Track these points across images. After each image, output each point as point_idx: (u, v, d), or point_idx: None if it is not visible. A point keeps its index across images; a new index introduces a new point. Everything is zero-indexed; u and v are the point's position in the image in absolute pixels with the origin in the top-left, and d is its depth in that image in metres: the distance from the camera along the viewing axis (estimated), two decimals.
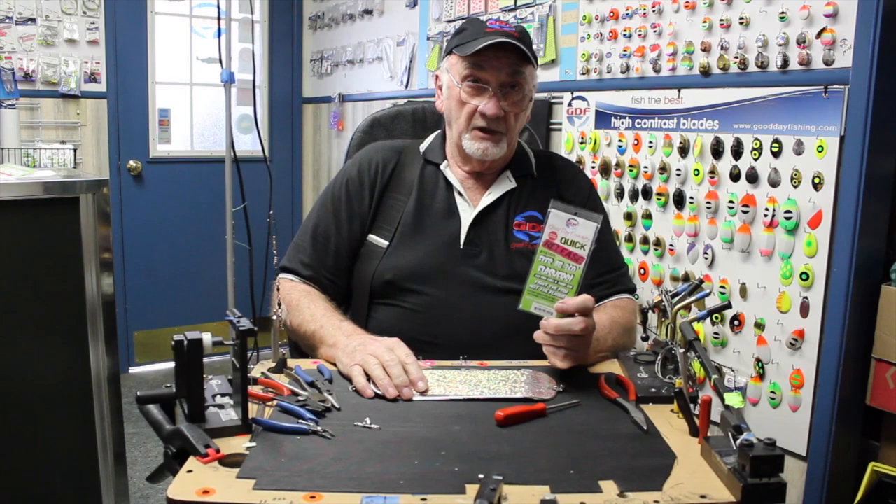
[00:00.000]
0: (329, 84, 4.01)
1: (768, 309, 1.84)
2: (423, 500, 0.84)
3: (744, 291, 1.89)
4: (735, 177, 1.90)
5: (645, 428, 1.04)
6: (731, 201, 1.91)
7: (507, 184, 1.53)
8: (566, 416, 1.10)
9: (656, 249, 2.15)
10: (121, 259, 3.78)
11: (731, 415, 0.95)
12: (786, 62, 1.76)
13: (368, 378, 1.17)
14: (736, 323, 1.92)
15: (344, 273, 1.52)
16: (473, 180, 1.54)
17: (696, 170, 2.00)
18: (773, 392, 1.83)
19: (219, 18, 3.00)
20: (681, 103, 2.04)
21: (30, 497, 1.80)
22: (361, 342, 1.25)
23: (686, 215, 2.04)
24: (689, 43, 2.01)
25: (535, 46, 2.43)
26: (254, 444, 0.97)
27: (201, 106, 4.04)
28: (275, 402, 1.09)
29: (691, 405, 1.06)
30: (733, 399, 0.98)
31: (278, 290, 1.33)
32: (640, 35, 2.16)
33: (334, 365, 1.27)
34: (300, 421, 1.03)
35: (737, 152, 1.89)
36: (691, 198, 2.03)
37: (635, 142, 2.18)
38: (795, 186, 1.75)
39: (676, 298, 1.24)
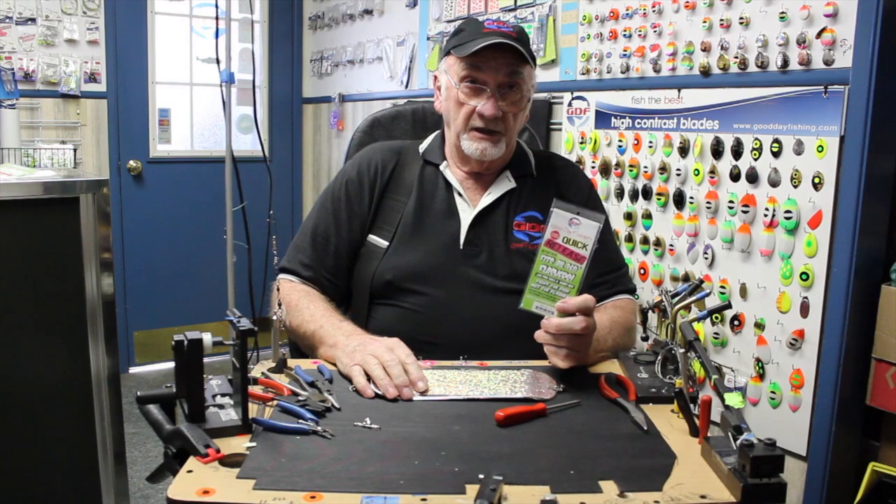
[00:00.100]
0: (329, 84, 4.01)
1: (768, 309, 1.84)
2: (423, 500, 0.84)
3: (744, 291, 1.90)
4: (735, 177, 1.90)
5: (645, 428, 1.04)
6: (731, 201, 1.91)
7: (506, 184, 1.53)
8: (566, 416, 1.10)
9: (656, 249, 2.15)
10: (121, 259, 3.78)
11: (732, 415, 0.95)
12: (786, 62, 1.76)
13: (368, 378, 1.17)
14: (736, 323, 1.92)
15: (344, 273, 1.52)
16: (473, 181, 1.54)
17: (696, 170, 2.00)
18: (773, 392, 1.83)
19: (218, 18, 3.00)
20: (681, 103, 2.04)
21: (30, 497, 1.80)
22: (361, 342, 1.25)
23: (686, 215, 2.04)
24: (689, 43, 2.01)
25: (534, 46, 2.43)
26: (254, 444, 0.97)
27: (201, 106, 4.03)
28: (275, 402, 1.09)
29: (691, 405, 1.06)
30: (733, 399, 0.98)
31: (278, 290, 1.33)
32: (640, 35, 2.16)
33: (334, 365, 1.27)
34: (300, 421, 1.03)
35: (737, 152, 1.89)
36: (691, 198, 2.03)
37: (635, 142, 2.18)
38: (795, 186, 1.76)
39: (676, 298, 1.24)
